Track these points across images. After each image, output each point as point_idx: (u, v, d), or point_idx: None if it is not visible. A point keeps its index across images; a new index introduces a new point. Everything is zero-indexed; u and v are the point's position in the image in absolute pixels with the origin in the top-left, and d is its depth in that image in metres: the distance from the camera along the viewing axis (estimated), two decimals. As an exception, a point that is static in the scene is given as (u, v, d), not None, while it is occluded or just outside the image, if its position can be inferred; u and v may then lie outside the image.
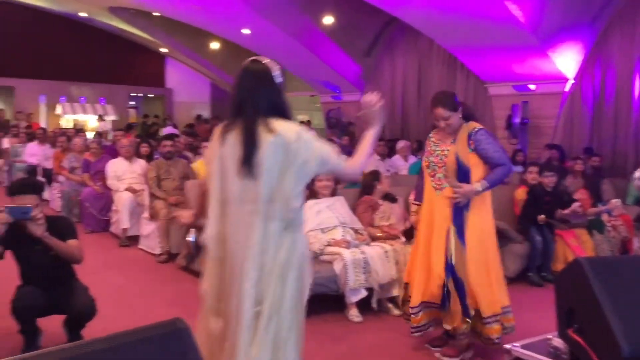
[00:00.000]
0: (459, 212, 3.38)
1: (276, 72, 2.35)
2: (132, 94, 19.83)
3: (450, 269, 3.38)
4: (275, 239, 2.25)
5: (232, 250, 2.29)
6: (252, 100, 2.28)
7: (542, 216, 5.46)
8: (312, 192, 4.65)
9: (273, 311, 2.24)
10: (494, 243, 3.51)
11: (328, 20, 11.62)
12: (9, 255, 3.40)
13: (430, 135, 3.63)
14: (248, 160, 2.21)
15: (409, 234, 4.67)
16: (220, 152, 2.30)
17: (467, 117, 3.50)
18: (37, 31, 17.01)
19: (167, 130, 14.11)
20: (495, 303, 3.40)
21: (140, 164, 7.13)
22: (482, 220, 3.44)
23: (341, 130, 13.34)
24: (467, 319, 3.38)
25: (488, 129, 3.59)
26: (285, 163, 2.22)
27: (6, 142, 11.42)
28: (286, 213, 2.25)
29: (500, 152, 3.43)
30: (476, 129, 3.42)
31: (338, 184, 5.17)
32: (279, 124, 2.25)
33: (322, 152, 2.28)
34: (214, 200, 2.33)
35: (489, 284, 3.39)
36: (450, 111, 3.40)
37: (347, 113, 13.52)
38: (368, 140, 2.46)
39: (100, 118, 16.87)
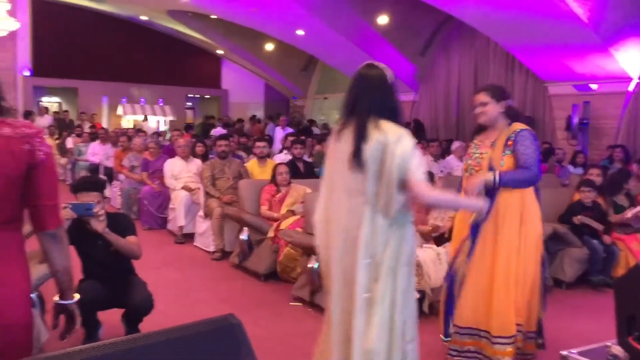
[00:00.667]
0: (475, 222, 3.20)
1: (389, 76, 2.54)
2: (189, 95, 20.33)
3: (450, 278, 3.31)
4: (384, 233, 2.41)
5: (337, 237, 2.48)
6: (366, 102, 2.47)
7: (578, 217, 5.27)
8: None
9: (386, 302, 2.40)
10: (529, 258, 3.20)
11: (382, 19, 11.57)
12: (71, 250, 3.54)
13: (474, 137, 3.48)
14: (357, 154, 2.41)
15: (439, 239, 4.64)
16: (335, 147, 2.56)
17: (512, 118, 3.31)
18: (101, 35, 17.66)
19: (217, 130, 14.42)
20: (510, 324, 3.14)
21: (196, 163, 7.30)
22: (510, 233, 3.16)
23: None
24: (444, 339, 3.28)
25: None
26: (382, 161, 2.39)
27: (70, 142, 11.90)
28: (388, 210, 2.40)
29: (531, 155, 3.15)
30: (519, 130, 3.23)
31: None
32: (386, 125, 2.44)
33: (410, 159, 2.38)
34: (324, 189, 2.60)
35: (506, 302, 3.15)
36: (491, 98, 3.23)
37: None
38: (454, 199, 2.85)
39: (145, 118, 17.32)
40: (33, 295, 3.28)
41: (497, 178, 3.13)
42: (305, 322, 4.27)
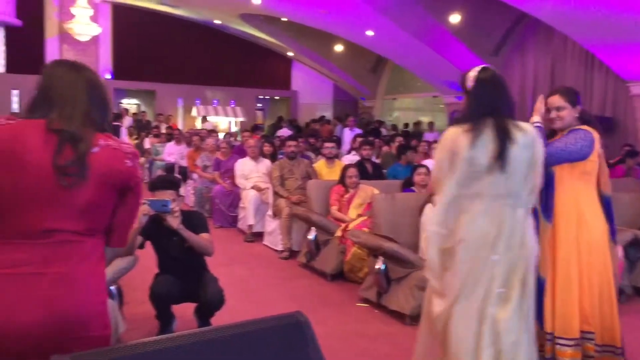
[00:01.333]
0: (535, 216, 3.04)
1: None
2: (259, 97, 20.73)
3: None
4: (520, 225, 2.53)
5: (473, 241, 2.51)
6: (498, 103, 2.56)
7: None
8: (430, 195, 4.57)
9: (522, 293, 2.50)
10: (593, 263, 3.05)
11: (454, 18, 11.36)
12: (148, 245, 3.70)
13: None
14: (502, 155, 2.46)
15: None
16: (469, 154, 2.49)
17: (585, 122, 3.17)
18: (177, 39, 18.33)
19: (283, 131, 14.65)
20: (571, 326, 3.02)
21: (265, 163, 7.44)
22: (567, 235, 3.06)
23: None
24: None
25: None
26: (532, 159, 2.52)
27: (147, 142, 12.40)
28: (530, 201, 2.58)
29: (565, 149, 3.01)
30: (579, 128, 3.09)
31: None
32: (523, 124, 2.57)
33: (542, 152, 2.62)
34: (448, 196, 2.55)
35: (568, 303, 3.03)
36: (566, 102, 3.10)
37: (472, 114, 13.12)
38: None
39: (204, 119, 17.73)
40: (112, 288, 3.46)
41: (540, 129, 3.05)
42: (371, 323, 4.26)
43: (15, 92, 15.72)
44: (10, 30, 15.77)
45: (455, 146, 2.53)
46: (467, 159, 2.49)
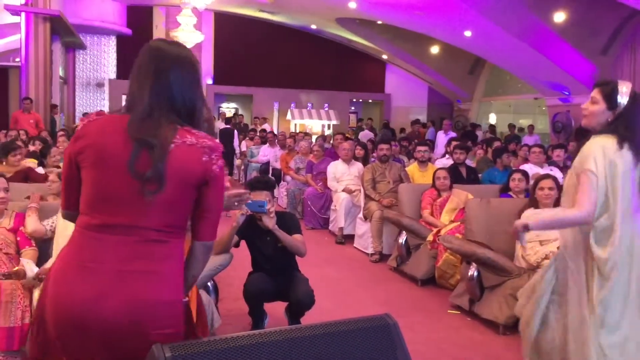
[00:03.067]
0: None
1: None
2: (353, 100, 20.83)
3: None
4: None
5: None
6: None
7: None
8: (532, 201, 4.39)
9: None
10: None
11: (559, 17, 10.84)
12: (243, 244, 3.82)
13: None
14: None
15: None
16: (623, 168, 2.53)
17: None
18: (274, 44, 18.82)
19: (364, 134, 14.67)
20: None
21: (357, 166, 7.46)
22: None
23: (568, 135, 12.35)
24: None
25: None
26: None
27: (244, 145, 12.82)
28: None
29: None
30: None
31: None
32: None
33: None
34: (622, 213, 2.54)
35: None
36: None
37: (577, 117, 12.46)
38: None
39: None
40: (209, 284, 3.61)
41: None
42: (462, 331, 4.15)
43: (124, 97, 16.81)
44: (121, 39, 16.93)
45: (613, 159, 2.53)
46: (622, 173, 2.53)
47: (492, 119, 18.26)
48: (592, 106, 2.63)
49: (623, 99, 2.55)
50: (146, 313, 1.60)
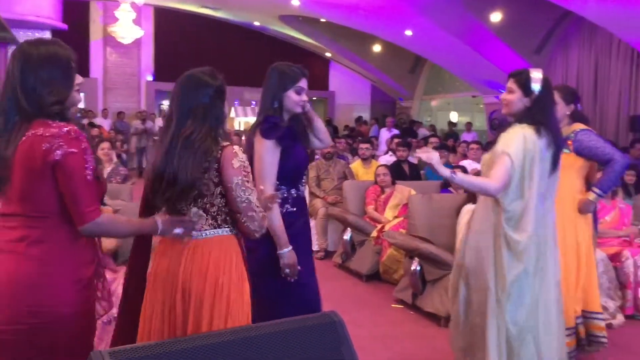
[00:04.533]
0: None
1: None
2: (297, 97, 20.79)
3: None
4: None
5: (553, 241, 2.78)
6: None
7: None
8: (470, 196, 4.52)
9: None
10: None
11: (496, 17, 11.19)
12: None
13: None
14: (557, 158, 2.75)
15: None
16: (541, 155, 2.69)
17: (576, 119, 3.34)
18: (217, 41, 18.54)
19: None
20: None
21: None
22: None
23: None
24: None
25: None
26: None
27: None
28: None
29: (605, 147, 3.26)
30: (578, 130, 3.28)
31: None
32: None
33: None
34: (535, 199, 2.68)
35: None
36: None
37: (512, 115, 12.90)
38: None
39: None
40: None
41: (601, 192, 3.28)
42: (406, 324, 4.24)
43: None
44: (56, 34, 16.28)
45: (536, 146, 2.66)
46: (540, 160, 2.67)
47: (433, 116, 18.69)
48: (509, 95, 2.80)
49: (536, 85, 2.72)
50: None
